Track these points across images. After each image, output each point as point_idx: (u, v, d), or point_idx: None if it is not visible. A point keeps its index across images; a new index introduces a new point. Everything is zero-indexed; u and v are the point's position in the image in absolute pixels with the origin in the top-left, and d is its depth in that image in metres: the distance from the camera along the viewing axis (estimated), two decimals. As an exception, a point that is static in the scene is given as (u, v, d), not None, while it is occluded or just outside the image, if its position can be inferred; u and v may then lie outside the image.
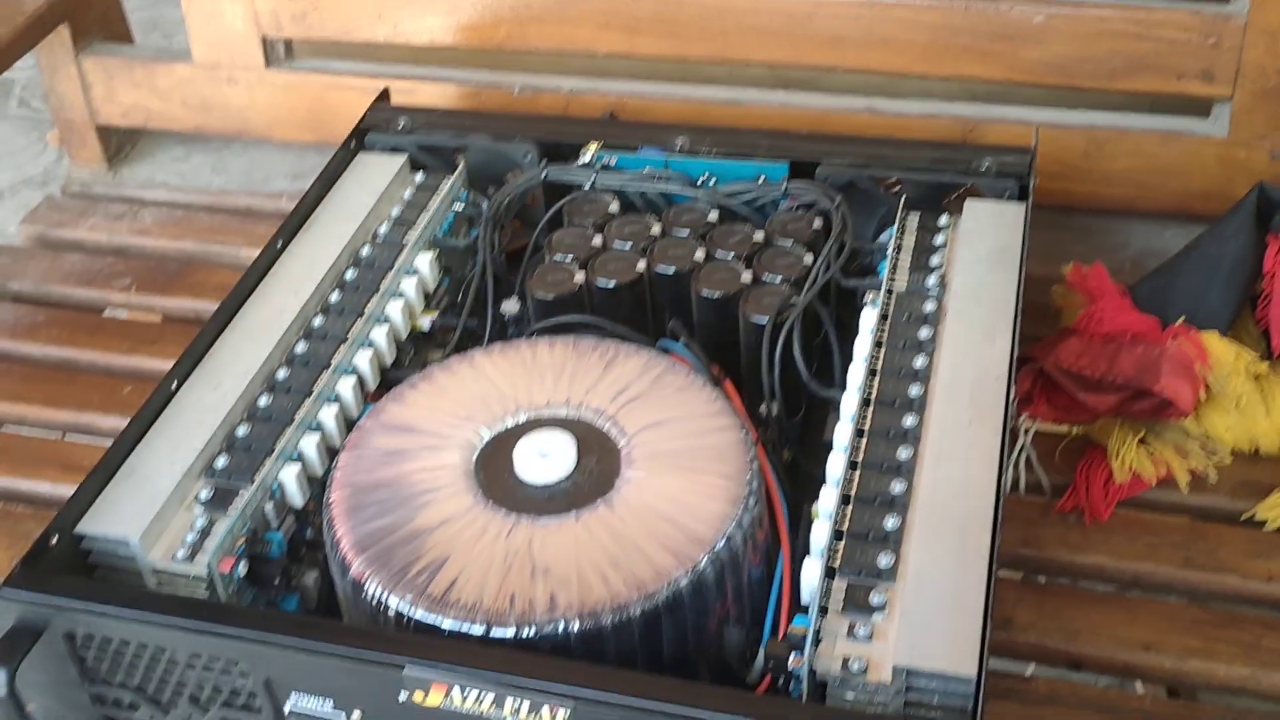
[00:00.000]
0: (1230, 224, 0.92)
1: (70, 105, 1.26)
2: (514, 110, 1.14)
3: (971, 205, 0.91)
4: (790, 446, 0.85)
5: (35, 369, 1.07)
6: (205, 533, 0.73)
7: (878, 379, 0.78)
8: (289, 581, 0.77)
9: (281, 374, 0.82)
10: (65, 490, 0.95)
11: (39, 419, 1.04)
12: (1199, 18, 0.98)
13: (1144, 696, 0.78)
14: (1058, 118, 1.06)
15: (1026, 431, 0.92)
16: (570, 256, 0.91)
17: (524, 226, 1.02)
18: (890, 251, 0.87)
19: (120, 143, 1.31)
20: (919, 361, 0.79)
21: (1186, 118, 1.05)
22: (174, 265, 1.17)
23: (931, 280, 0.85)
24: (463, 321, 0.91)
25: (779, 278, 0.87)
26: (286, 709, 0.67)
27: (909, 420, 0.75)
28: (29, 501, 0.97)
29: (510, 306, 0.91)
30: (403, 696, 0.63)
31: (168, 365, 0.81)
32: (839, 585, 0.67)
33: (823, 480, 0.75)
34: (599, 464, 0.74)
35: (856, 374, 0.79)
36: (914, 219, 0.90)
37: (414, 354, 0.90)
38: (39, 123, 2.31)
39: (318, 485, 0.79)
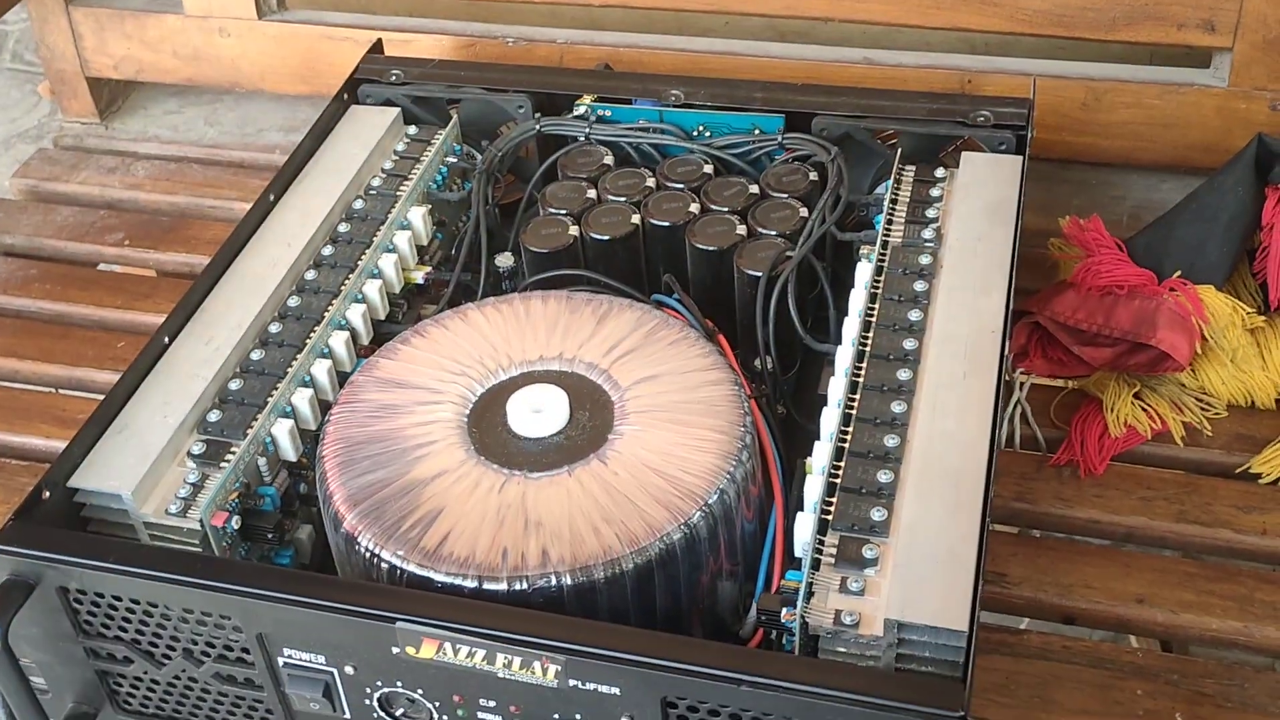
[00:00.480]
0: (1229, 176, 0.92)
1: (61, 56, 1.25)
2: (508, 62, 1.13)
3: (968, 158, 0.90)
4: (784, 401, 0.85)
5: (28, 323, 1.07)
6: (198, 487, 0.73)
7: (872, 333, 0.78)
8: (283, 536, 0.77)
9: (274, 328, 0.82)
10: (59, 444, 0.95)
11: (32, 373, 1.03)
12: (1200, -33, 0.97)
13: (1136, 650, 0.78)
14: (1056, 69, 1.05)
15: (1022, 385, 0.92)
16: (564, 210, 0.90)
17: (518, 180, 1.01)
18: (886, 204, 0.86)
19: (113, 95, 1.30)
20: (914, 315, 0.79)
21: (1186, 69, 1.04)
22: (167, 219, 1.16)
23: (927, 233, 0.84)
24: (456, 275, 0.91)
25: (774, 231, 0.87)
26: (280, 663, 0.67)
27: (903, 374, 0.75)
28: (23, 456, 0.97)
29: (504, 260, 0.91)
30: (395, 650, 0.64)
31: (161, 320, 0.81)
32: (832, 539, 0.67)
33: (817, 435, 0.75)
34: (592, 418, 0.74)
35: (851, 328, 0.79)
36: (910, 172, 0.89)
37: (408, 308, 0.90)
38: (33, 76, 2.30)
39: (311, 440, 0.79)
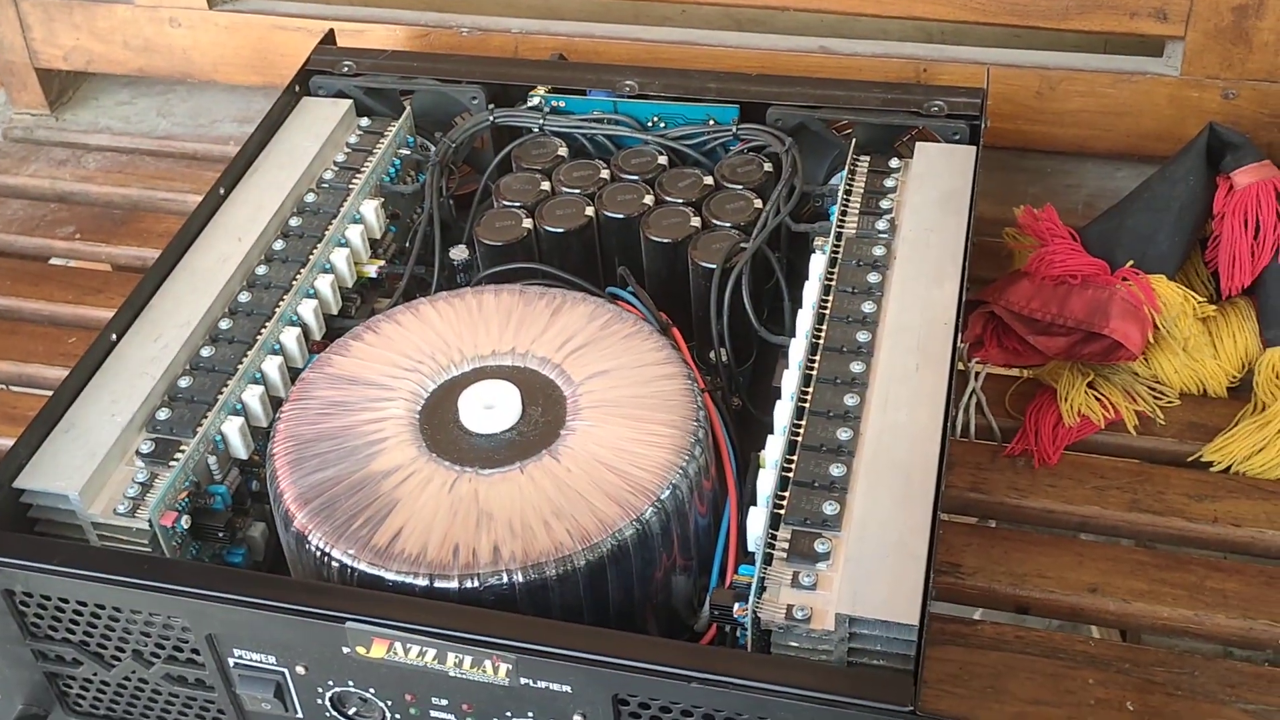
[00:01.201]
0: (1180, 165, 0.92)
1: (9, 47, 1.23)
2: (461, 53, 1.13)
3: (922, 148, 0.90)
4: (740, 394, 0.85)
5: (-22, 319, 1.06)
6: (147, 486, 0.72)
7: (826, 325, 0.78)
8: (234, 534, 0.76)
9: (224, 324, 0.81)
10: (7, 443, 0.94)
11: (-18, 370, 1.02)
12: (1152, -44, 0.97)
13: (1088, 640, 0.79)
14: (1011, 57, 1.05)
15: (977, 375, 0.92)
16: (518, 203, 0.90)
17: (472, 171, 1.00)
18: (840, 195, 0.86)
19: (63, 86, 1.28)
20: (867, 307, 0.79)
21: (1139, 58, 1.04)
22: (119, 212, 1.15)
23: (881, 224, 0.84)
24: (410, 269, 0.90)
25: (728, 223, 0.86)
26: (230, 663, 0.67)
27: (856, 367, 0.75)
28: (-28, 454, 0.96)
29: (458, 253, 0.90)
30: (346, 650, 0.63)
31: (113, 315, 0.80)
32: (784, 534, 0.67)
33: (770, 426, 0.75)
34: (544, 413, 0.74)
35: (805, 320, 0.79)
36: (864, 162, 0.89)
37: (360, 302, 0.89)
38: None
39: (262, 437, 0.78)
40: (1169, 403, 0.90)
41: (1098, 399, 0.90)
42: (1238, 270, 0.90)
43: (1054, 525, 0.86)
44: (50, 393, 0.76)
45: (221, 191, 0.89)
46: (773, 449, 0.72)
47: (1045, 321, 0.91)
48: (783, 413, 0.74)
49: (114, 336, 0.79)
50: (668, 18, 1.21)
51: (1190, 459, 0.88)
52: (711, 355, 0.84)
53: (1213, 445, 0.87)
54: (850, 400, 0.73)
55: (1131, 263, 0.90)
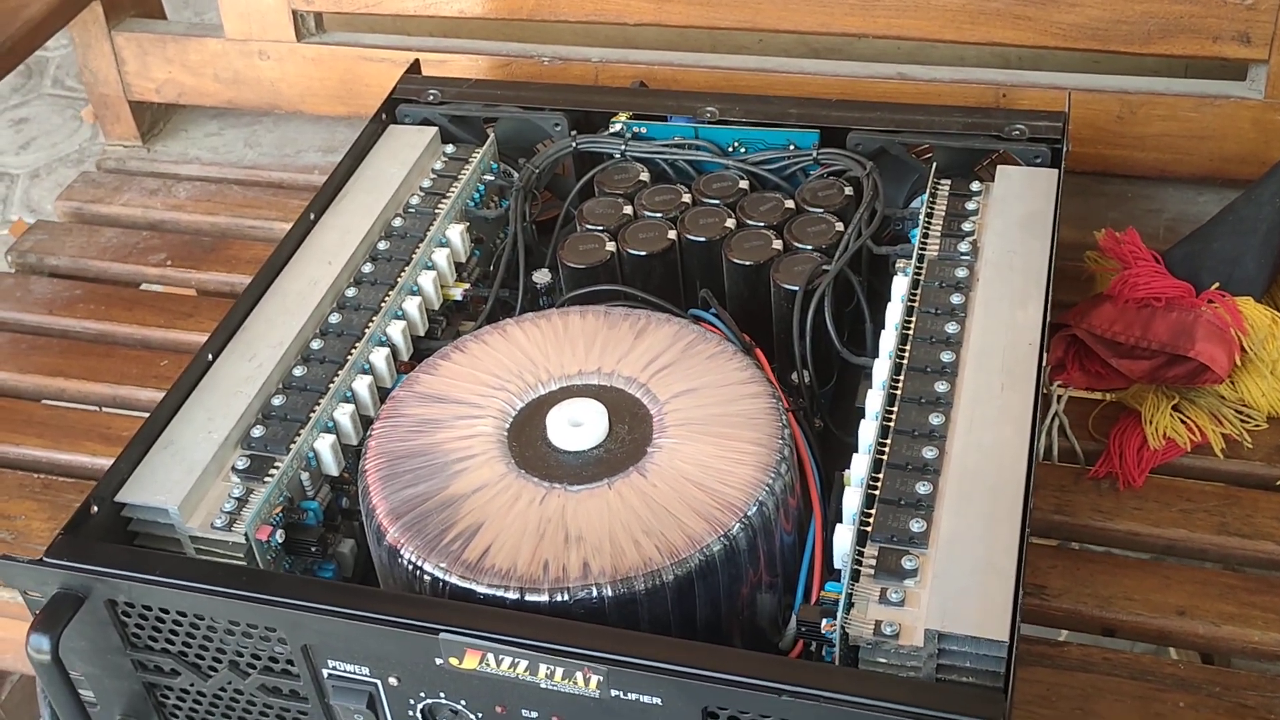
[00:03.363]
0: (1266, 188, 0.91)
1: (104, 81, 1.27)
2: (543, 80, 1.14)
3: (1003, 171, 0.90)
4: (822, 414, 0.85)
5: (73, 343, 1.09)
6: (242, 501, 0.74)
7: (909, 345, 0.78)
8: (326, 549, 0.77)
9: (315, 345, 0.83)
10: (105, 462, 0.97)
11: (77, 392, 1.05)
12: (1235, -21, 0.97)
13: (1178, 662, 0.78)
14: (1091, 82, 1.05)
15: (1060, 398, 0.92)
16: (601, 226, 0.91)
17: (554, 197, 1.02)
18: (922, 218, 0.87)
19: (154, 118, 1.32)
20: (951, 328, 0.79)
21: (1222, 81, 1.03)
22: (208, 239, 1.18)
23: (963, 246, 0.84)
24: (495, 292, 0.91)
25: (810, 246, 0.87)
26: (324, 674, 0.68)
27: (941, 386, 0.75)
28: (69, 474, 0.98)
29: (541, 277, 0.91)
30: (439, 661, 0.64)
31: (203, 338, 0.82)
32: (871, 551, 0.68)
33: (854, 447, 0.75)
34: (631, 431, 0.74)
35: (888, 341, 0.79)
36: (945, 185, 0.90)
37: (446, 324, 0.91)
38: (73, 101, 2.33)
39: (352, 454, 0.80)
40: (1256, 426, 0.89)
41: (1183, 422, 0.89)
42: (1325, 292, 0.89)
43: (1139, 548, 0.86)
44: (144, 414, 0.78)
45: (312, 217, 0.91)
46: (858, 467, 0.72)
47: (1128, 345, 0.90)
48: (868, 431, 0.74)
49: (210, 356, 0.81)
50: (744, 46, 1.23)
51: (1279, 482, 0.87)
52: (794, 377, 0.84)
53: (1302, 468, 0.87)
54: (935, 419, 0.73)
55: (1217, 285, 0.90)
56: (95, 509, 0.72)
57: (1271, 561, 0.83)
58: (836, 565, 0.70)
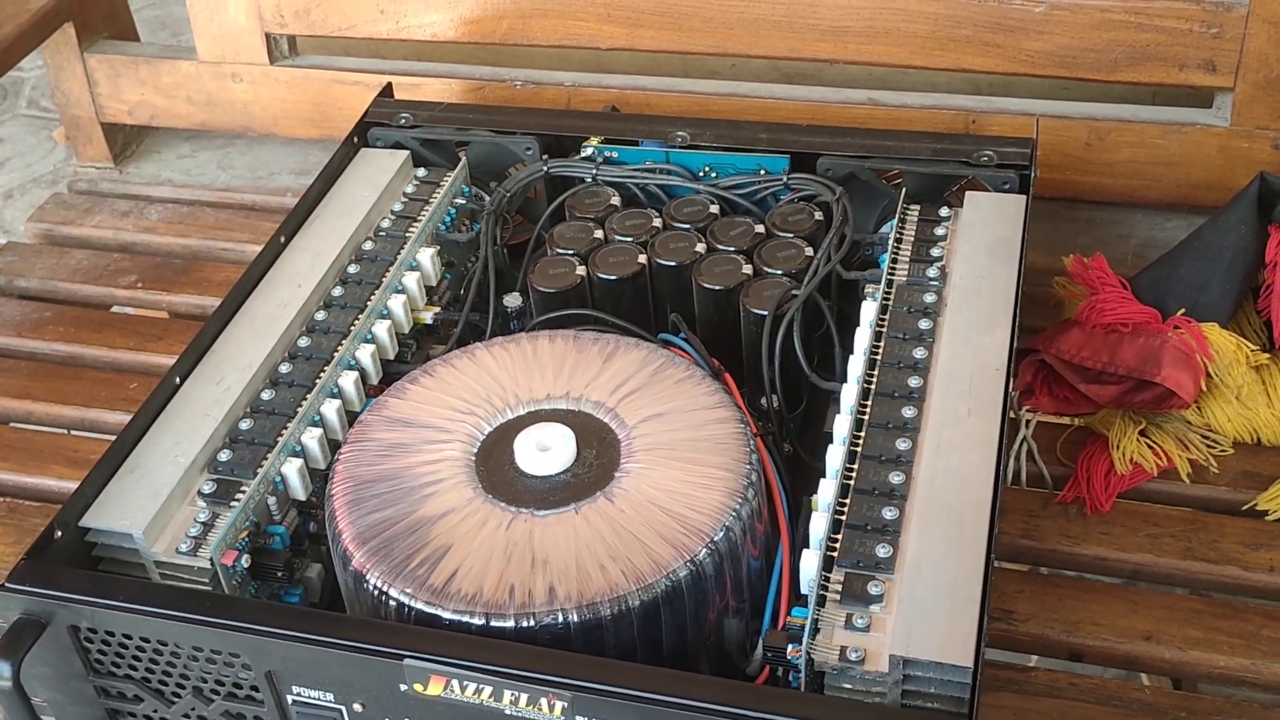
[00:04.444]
0: (1231, 214, 0.92)
1: (76, 103, 1.27)
2: (515, 105, 1.15)
3: (972, 197, 0.91)
4: (791, 439, 0.85)
5: (42, 365, 1.08)
6: (208, 526, 0.73)
7: (877, 370, 0.78)
8: (292, 574, 0.77)
9: (284, 368, 0.83)
10: (71, 485, 0.95)
11: (45, 415, 1.04)
12: (1200, 8, 0.98)
13: (1144, 687, 0.78)
14: (1060, 109, 1.06)
15: (1028, 423, 0.93)
16: (572, 250, 0.91)
17: (526, 220, 1.02)
18: (891, 243, 0.87)
19: (127, 140, 1.31)
20: (919, 353, 0.79)
21: (1188, 109, 1.04)
22: (180, 261, 1.18)
23: (932, 272, 0.85)
24: (465, 315, 0.91)
25: (780, 271, 0.87)
26: (289, 700, 0.67)
27: (908, 412, 0.75)
28: (35, 497, 0.98)
29: (512, 300, 0.91)
30: (403, 688, 0.64)
31: (173, 361, 0.82)
32: (837, 576, 0.68)
33: (823, 472, 0.75)
34: (599, 456, 0.74)
35: (856, 366, 0.80)
36: (914, 211, 0.90)
37: (416, 348, 0.91)
38: (48, 122, 2.32)
39: (320, 478, 0.79)
40: (1222, 451, 0.90)
41: (1150, 447, 0.90)
42: (1290, 319, 0.90)
43: (1107, 573, 0.86)
44: (112, 437, 0.77)
45: (282, 240, 0.91)
46: (825, 492, 0.73)
47: (1096, 370, 0.91)
48: (835, 456, 0.74)
49: (178, 379, 0.81)
50: (716, 71, 1.23)
51: (1245, 508, 0.87)
52: (763, 401, 0.84)
53: (1267, 494, 0.87)
54: (902, 444, 0.74)
55: (1183, 311, 0.90)
56: (59, 534, 0.72)
57: (1237, 586, 0.84)
58: (803, 590, 0.70)
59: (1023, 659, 0.85)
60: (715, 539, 0.69)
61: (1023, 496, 0.89)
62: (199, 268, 1.16)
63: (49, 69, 1.27)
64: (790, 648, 0.66)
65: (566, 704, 0.62)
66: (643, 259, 0.90)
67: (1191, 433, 0.91)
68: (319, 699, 0.67)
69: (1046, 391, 0.94)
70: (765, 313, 0.84)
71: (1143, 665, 0.80)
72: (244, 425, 0.79)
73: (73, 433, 1.04)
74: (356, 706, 0.66)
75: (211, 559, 0.72)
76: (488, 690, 0.62)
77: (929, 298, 0.83)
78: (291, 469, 0.78)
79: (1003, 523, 0.85)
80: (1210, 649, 0.79)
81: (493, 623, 0.66)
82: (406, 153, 1.00)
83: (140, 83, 1.25)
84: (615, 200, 0.96)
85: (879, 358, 0.79)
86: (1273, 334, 0.92)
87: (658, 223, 0.93)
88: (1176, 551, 0.85)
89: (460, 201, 0.99)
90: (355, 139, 1.01)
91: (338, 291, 0.89)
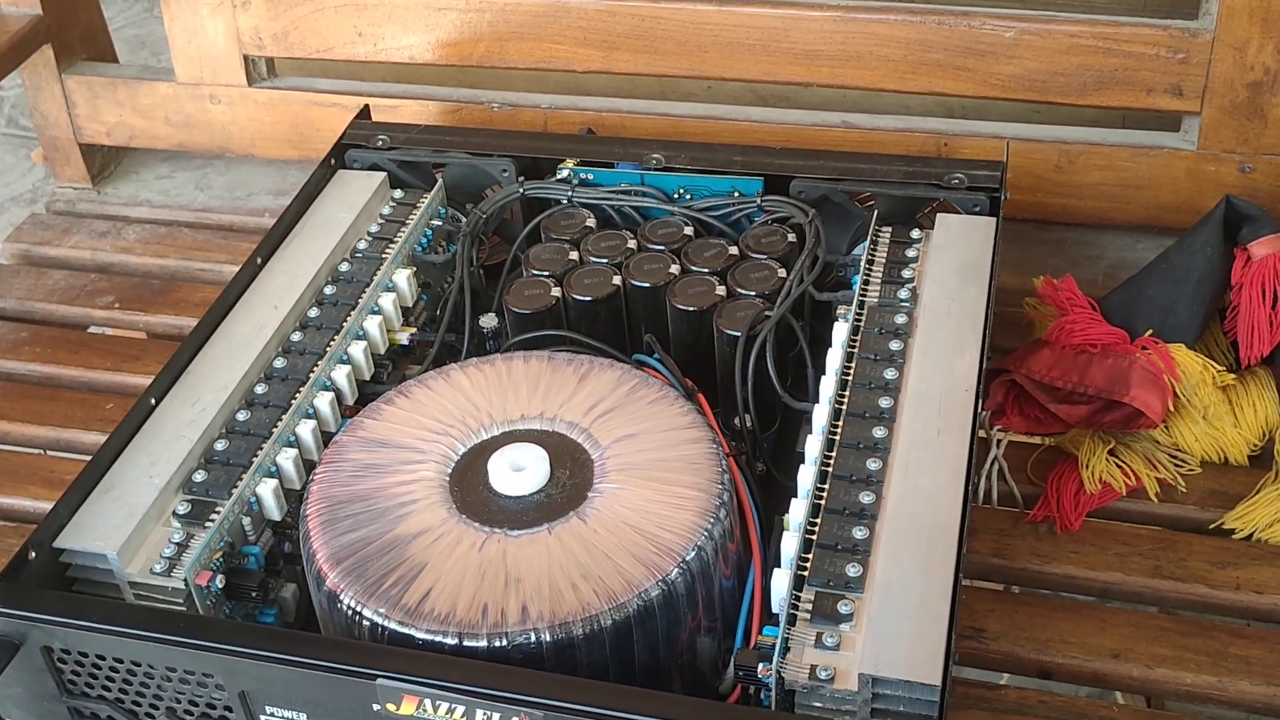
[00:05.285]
0: (1198, 237, 0.93)
1: (54, 124, 1.27)
2: (492, 127, 1.15)
3: (943, 219, 0.92)
4: (764, 458, 0.86)
5: (18, 386, 1.08)
6: (183, 546, 0.74)
7: (849, 391, 0.79)
8: (267, 594, 0.77)
9: (260, 389, 0.83)
10: (47, 506, 0.95)
11: (21, 436, 1.04)
12: (1167, 34, 0.99)
13: (1112, 705, 0.79)
14: (1030, 132, 1.07)
15: (999, 443, 0.93)
16: (547, 271, 0.92)
17: (502, 241, 1.03)
18: (863, 265, 0.88)
19: (105, 160, 1.32)
20: (889, 374, 0.80)
21: (1157, 132, 1.06)
22: (157, 282, 1.18)
23: (903, 294, 0.86)
24: (441, 336, 0.92)
25: (753, 292, 0.88)
26: (262, 721, 0.68)
27: (879, 432, 0.76)
28: (10, 518, 0.97)
29: (488, 321, 0.92)
30: (375, 707, 0.64)
31: (150, 381, 0.82)
32: (808, 595, 0.68)
33: (794, 490, 0.76)
34: (572, 476, 0.75)
35: (828, 386, 0.80)
36: (886, 233, 0.91)
37: (392, 368, 0.91)
38: (28, 141, 2.33)
39: (295, 499, 0.80)
40: (1190, 470, 0.91)
41: (1119, 466, 0.91)
42: (1256, 340, 0.91)
43: (1076, 591, 0.87)
44: (88, 457, 0.78)
45: (259, 261, 0.92)
46: (796, 512, 0.73)
47: (1066, 390, 0.92)
48: (806, 476, 0.75)
49: (153, 400, 0.81)
50: (692, 93, 1.24)
51: (1212, 526, 0.88)
52: (736, 421, 0.85)
53: (1234, 513, 0.88)
54: (873, 465, 0.74)
55: (1151, 332, 0.91)
56: (34, 554, 0.72)
57: (1204, 604, 0.85)
58: (774, 609, 0.70)
59: (993, 677, 0.85)
60: (687, 558, 0.70)
61: (994, 516, 0.90)
62: (176, 288, 1.17)
63: (27, 90, 1.27)
64: (761, 666, 0.66)
65: (538, 723, 0.62)
66: (617, 280, 0.90)
67: (1160, 452, 0.92)
68: (293, 719, 0.67)
69: (1017, 411, 0.95)
70: (739, 334, 0.85)
71: (1111, 683, 0.81)
72: (219, 446, 0.79)
73: (48, 453, 1.04)
74: (330, 726, 0.67)
75: (186, 579, 0.72)
76: (460, 710, 0.63)
77: (900, 319, 0.84)
78: (266, 490, 0.78)
79: (973, 541, 0.86)
80: (1178, 666, 0.80)
81: (466, 642, 0.66)
82: (383, 174, 1.01)
83: (118, 104, 1.25)
84: (590, 222, 0.96)
85: (850, 378, 0.80)
86: (1239, 354, 0.93)
87: (632, 244, 0.93)
88: (1145, 570, 0.85)
89: (437, 223, 0.99)
90: (332, 160, 1.02)
91: (314, 313, 0.89)
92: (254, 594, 0.75)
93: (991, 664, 0.82)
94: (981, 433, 0.91)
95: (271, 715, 0.67)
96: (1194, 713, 0.80)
